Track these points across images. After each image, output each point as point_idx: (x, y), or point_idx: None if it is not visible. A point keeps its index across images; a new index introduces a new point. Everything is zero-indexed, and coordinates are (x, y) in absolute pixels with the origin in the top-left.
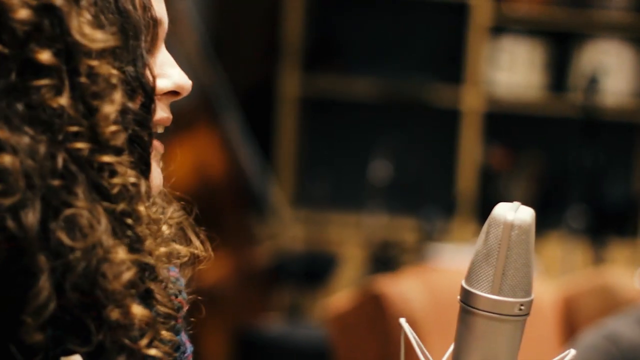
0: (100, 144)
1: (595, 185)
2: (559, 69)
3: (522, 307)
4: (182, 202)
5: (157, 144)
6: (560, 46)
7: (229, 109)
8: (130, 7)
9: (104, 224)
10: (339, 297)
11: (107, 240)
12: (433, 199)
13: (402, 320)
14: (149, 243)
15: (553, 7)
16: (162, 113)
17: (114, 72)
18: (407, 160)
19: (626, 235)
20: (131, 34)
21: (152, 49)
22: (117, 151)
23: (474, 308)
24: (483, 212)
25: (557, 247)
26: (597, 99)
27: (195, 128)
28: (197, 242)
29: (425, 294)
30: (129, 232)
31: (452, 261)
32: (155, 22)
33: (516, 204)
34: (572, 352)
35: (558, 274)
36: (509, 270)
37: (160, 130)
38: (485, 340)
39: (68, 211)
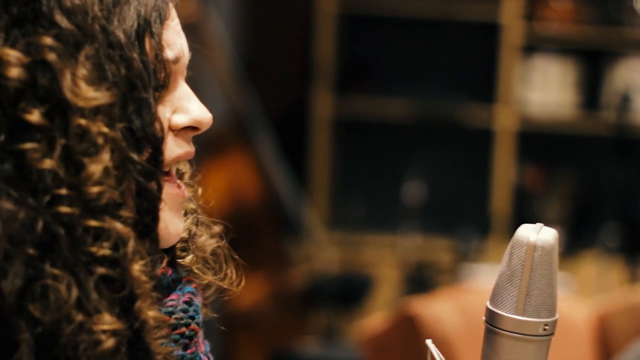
0: (85, 206)
1: (628, 203)
2: (591, 88)
3: (547, 327)
4: (220, 228)
5: (179, 192)
6: (592, 64)
7: (262, 132)
8: (135, 55)
9: (74, 296)
10: (373, 318)
11: (77, 315)
12: (467, 219)
13: (429, 342)
14: (139, 303)
15: (584, 26)
16: (178, 150)
17: (105, 130)
18: (441, 180)
19: None
20: (136, 83)
21: (169, 87)
22: (103, 212)
23: (498, 328)
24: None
25: (592, 266)
26: (629, 117)
27: (229, 152)
28: (228, 271)
29: (459, 315)
30: (115, 295)
31: (487, 281)
32: (168, 63)
33: (539, 225)
34: None
35: (593, 293)
36: (532, 291)
37: (183, 168)
38: (508, 358)
39: (41, 282)
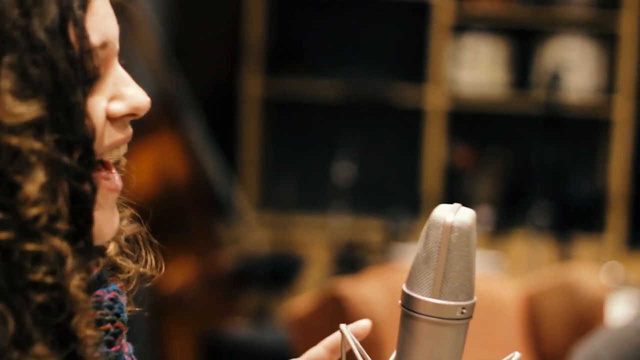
0: (22, 229)
1: (559, 181)
2: (521, 66)
3: (464, 311)
4: (139, 212)
5: (113, 186)
6: (523, 43)
7: (191, 113)
8: (60, 54)
9: (11, 330)
10: (301, 300)
11: (14, 352)
12: (398, 199)
13: (343, 326)
14: (76, 322)
15: (514, 5)
16: (117, 136)
17: (37, 145)
18: (372, 160)
19: (592, 231)
20: (64, 85)
21: (100, 76)
22: (41, 231)
23: (415, 312)
24: None
25: (523, 244)
26: (559, 96)
27: (157, 133)
28: (149, 257)
29: (387, 295)
30: (51, 319)
31: None
32: (96, 51)
33: (456, 205)
34: (517, 355)
35: (523, 271)
36: (449, 273)
37: (123, 150)
38: (427, 344)
39: None
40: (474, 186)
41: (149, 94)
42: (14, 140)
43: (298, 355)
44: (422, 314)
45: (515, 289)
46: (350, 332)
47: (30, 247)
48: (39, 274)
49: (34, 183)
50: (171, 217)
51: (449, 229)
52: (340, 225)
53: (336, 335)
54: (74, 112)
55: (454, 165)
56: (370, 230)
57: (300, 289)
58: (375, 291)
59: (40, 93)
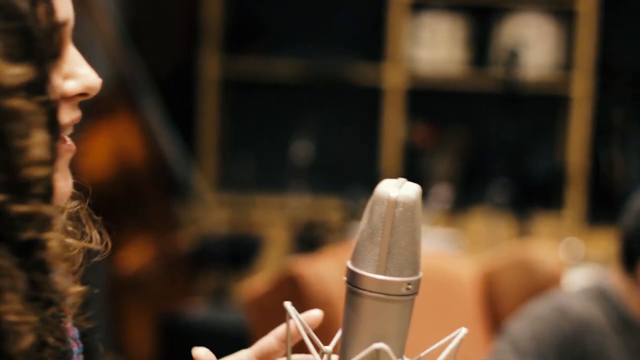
0: (19, 192)
1: (518, 159)
2: (480, 44)
3: (410, 287)
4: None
5: (68, 147)
6: (481, 21)
7: (148, 94)
8: (35, 25)
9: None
10: (257, 279)
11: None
12: (357, 178)
13: (287, 304)
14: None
15: None
16: (72, 114)
17: (32, 107)
18: (330, 139)
19: (551, 208)
20: (40, 56)
21: (60, 52)
22: (37, 197)
23: (360, 289)
24: None
25: (482, 222)
26: (518, 73)
27: (114, 114)
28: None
29: (343, 274)
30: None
31: None
32: (60, 28)
33: (401, 180)
34: (464, 330)
35: (483, 249)
36: (394, 249)
37: (69, 131)
38: (372, 321)
39: None
40: (433, 164)
41: (105, 75)
42: (14, 102)
43: (254, 335)
44: (367, 291)
45: (473, 266)
46: (298, 313)
47: (23, 208)
48: (27, 233)
49: (37, 145)
50: (129, 198)
51: (394, 204)
52: (299, 205)
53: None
54: (46, 83)
55: (412, 143)
56: (329, 209)
57: (260, 269)
58: (331, 269)
59: (26, 60)
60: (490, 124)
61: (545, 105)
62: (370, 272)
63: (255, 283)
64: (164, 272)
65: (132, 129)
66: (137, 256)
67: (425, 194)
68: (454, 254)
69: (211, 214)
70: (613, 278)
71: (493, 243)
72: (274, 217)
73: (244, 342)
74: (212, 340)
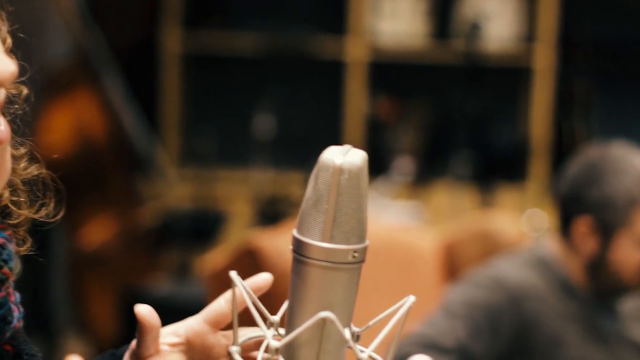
0: None
1: (481, 131)
2: (441, 16)
3: (356, 254)
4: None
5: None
6: None
7: (108, 69)
8: None
9: None
10: (217, 254)
11: None
12: (319, 151)
13: (233, 274)
14: None
15: None
16: None
17: None
18: (293, 113)
19: (514, 179)
20: None
21: None
22: None
23: (305, 257)
24: (371, 163)
25: (445, 194)
26: (480, 45)
27: (74, 89)
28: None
29: None
30: None
31: None
32: None
33: (347, 147)
34: (412, 298)
35: (445, 221)
36: (340, 217)
37: None
38: (319, 290)
39: None
40: (395, 137)
41: (65, 50)
42: None
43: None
44: (313, 259)
45: (435, 238)
46: (247, 284)
47: None
48: None
49: None
50: (90, 174)
51: (339, 171)
52: (261, 179)
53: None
54: None
55: (375, 116)
56: (292, 183)
57: (223, 243)
58: (289, 243)
59: None
60: (452, 97)
61: (507, 78)
62: (316, 240)
63: (215, 257)
64: (127, 247)
65: (92, 105)
66: (99, 232)
67: (388, 167)
68: (416, 226)
69: (174, 189)
70: (552, 245)
71: (456, 215)
72: (236, 191)
73: None
74: (175, 315)
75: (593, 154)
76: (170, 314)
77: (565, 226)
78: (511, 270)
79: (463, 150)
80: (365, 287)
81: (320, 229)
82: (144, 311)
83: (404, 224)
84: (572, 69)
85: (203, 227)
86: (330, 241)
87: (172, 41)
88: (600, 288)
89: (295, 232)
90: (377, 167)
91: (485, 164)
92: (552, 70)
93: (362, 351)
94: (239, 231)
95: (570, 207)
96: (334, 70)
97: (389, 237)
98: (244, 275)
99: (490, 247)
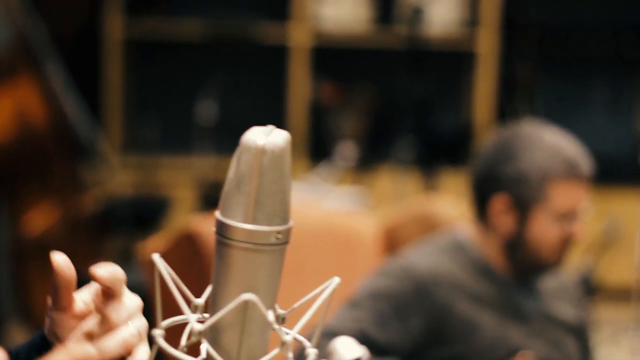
0: None
1: (425, 115)
2: (384, 1)
3: (280, 236)
4: None
5: None
6: None
7: (50, 55)
8: None
9: None
10: (156, 239)
11: None
12: None
13: (155, 256)
14: None
15: None
16: None
17: None
18: (236, 99)
19: (457, 163)
20: None
21: None
22: None
23: (228, 239)
24: (314, 148)
25: (388, 179)
26: (423, 30)
27: (15, 76)
28: None
29: None
30: None
31: None
32: None
33: (270, 127)
34: (336, 280)
35: (389, 205)
36: (262, 198)
37: None
38: (242, 272)
39: None
40: (339, 122)
41: (7, 37)
42: None
43: (154, 294)
44: (236, 241)
45: (376, 222)
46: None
47: None
48: None
49: None
50: (32, 161)
51: (261, 151)
52: (205, 165)
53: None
54: None
55: (319, 101)
56: None
57: (166, 229)
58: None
59: None
60: (396, 82)
61: (451, 62)
62: (239, 222)
63: (156, 242)
64: (70, 234)
65: (34, 92)
66: (41, 219)
67: (331, 152)
68: (359, 211)
69: (117, 176)
70: (467, 229)
71: (399, 199)
72: (179, 177)
73: (145, 302)
74: None
75: (505, 133)
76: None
77: (481, 207)
78: (422, 258)
79: (406, 135)
80: (306, 272)
81: (243, 210)
82: (59, 260)
83: (347, 209)
84: (515, 53)
85: (146, 214)
86: (253, 223)
87: (115, 28)
88: (519, 267)
89: (218, 214)
90: (321, 152)
91: (428, 148)
92: (495, 54)
93: (287, 333)
94: (183, 217)
95: (486, 186)
96: (277, 56)
97: (330, 221)
98: (184, 259)
99: (430, 230)
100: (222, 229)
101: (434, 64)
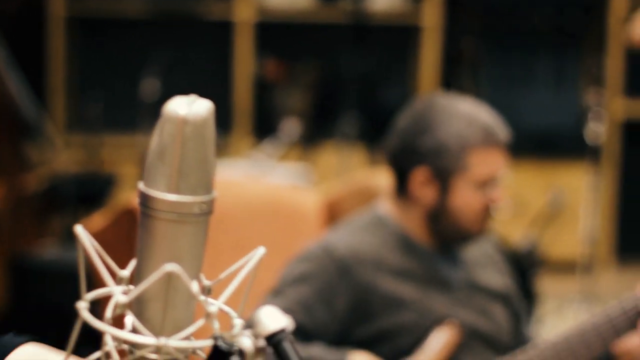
0: None
1: (370, 90)
2: None
3: (203, 206)
4: None
5: None
6: None
7: None
8: None
9: None
10: (97, 216)
11: None
12: None
13: (79, 228)
14: None
15: None
16: None
17: None
18: (181, 76)
19: None
20: None
21: None
22: None
23: (152, 210)
24: (259, 125)
25: (333, 155)
26: (365, 5)
27: None
28: None
29: None
30: None
31: (225, 174)
32: None
33: (192, 97)
34: (261, 250)
35: (334, 181)
36: (185, 168)
37: None
38: (166, 243)
39: None
40: (284, 99)
41: None
42: None
43: (95, 271)
44: (159, 211)
45: (319, 197)
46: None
47: None
48: None
49: None
50: None
51: (183, 121)
52: (149, 142)
53: None
54: None
55: (263, 78)
56: None
57: (111, 206)
58: None
59: None
60: (341, 57)
61: (395, 37)
62: (162, 193)
63: (99, 219)
64: (15, 213)
65: None
66: None
67: (276, 129)
68: (303, 186)
69: (61, 155)
70: (387, 205)
71: (344, 175)
72: (124, 155)
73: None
74: (63, 280)
75: (419, 106)
76: (58, 278)
77: (401, 181)
78: (341, 238)
79: (351, 110)
80: (249, 246)
81: (166, 181)
82: None
83: (289, 184)
84: (460, 27)
85: (91, 191)
86: (176, 193)
87: (57, 4)
88: (443, 238)
89: (141, 185)
90: (265, 129)
91: (373, 123)
92: (440, 29)
93: (212, 304)
94: (127, 193)
95: (404, 160)
96: (222, 32)
97: (273, 196)
98: (125, 234)
99: (370, 203)
100: (145, 200)
101: (378, 39)
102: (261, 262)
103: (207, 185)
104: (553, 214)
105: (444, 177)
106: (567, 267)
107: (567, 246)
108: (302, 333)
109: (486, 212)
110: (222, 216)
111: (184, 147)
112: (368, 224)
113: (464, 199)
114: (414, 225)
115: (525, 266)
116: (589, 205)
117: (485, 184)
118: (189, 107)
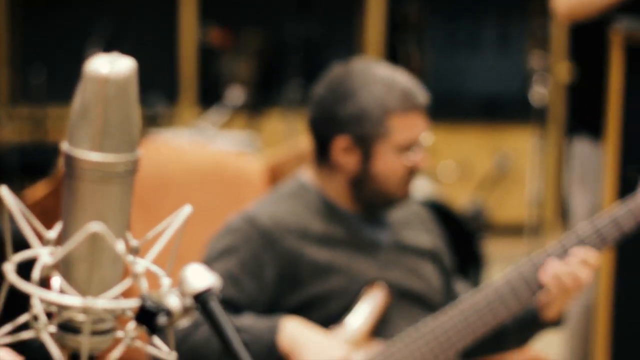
0: None
1: (314, 57)
2: None
3: (126, 166)
4: None
5: None
6: None
7: None
8: None
9: None
10: (39, 185)
11: None
12: (154, 84)
13: (3, 190)
14: None
15: None
16: None
17: None
18: (125, 45)
19: None
20: None
21: None
22: None
23: (76, 170)
24: (205, 93)
25: (279, 122)
26: None
27: None
28: None
29: None
30: None
31: (173, 140)
32: None
33: (114, 56)
34: (187, 209)
35: (279, 147)
36: (108, 127)
37: None
38: (91, 203)
39: None
40: (229, 66)
41: None
42: None
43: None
44: (84, 171)
45: (263, 162)
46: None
47: None
48: None
49: None
50: None
51: (105, 80)
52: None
53: None
54: None
55: (208, 46)
56: None
57: (56, 176)
58: None
59: None
60: (285, 23)
61: (340, 3)
62: (85, 152)
63: (42, 187)
64: None
65: None
66: None
67: (221, 97)
68: (247, 152)
69: (6, 127)
70: (310, 172)
71: (289, 141)
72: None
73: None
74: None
75: (337, 73)
76: (3, 248)
77: (322, 149)
78: (264, 208)
79: (296, 77)
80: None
81: (89, 140)
82: None
83: (234, 151)
84: None
85: (37, 162)
86: (100, 150)
87: None
88: (367, 204)
89: (64, 145)
90: (211, 96)
91: None
92: None
93: (139, 264)
94: None
95: (325, 129)
96: (166, 1)
97: (216, 161)
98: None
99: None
100: (69, 160)
101: (322, 5)
102: (203, 226)
103: (131, 145)
104: (499, 177)
105: (365, 144)
106: (514, 230)
107: (514, 209)
108: (232, 306)
109: (409, 177)
110: (167, 182)
111: (107, 106)
112: (291, 193)
113: (387, 164)
114: (337, 191)
115: (471, 229)
116: (535, 168)
117: (407, 148)
118: (111, 66)
